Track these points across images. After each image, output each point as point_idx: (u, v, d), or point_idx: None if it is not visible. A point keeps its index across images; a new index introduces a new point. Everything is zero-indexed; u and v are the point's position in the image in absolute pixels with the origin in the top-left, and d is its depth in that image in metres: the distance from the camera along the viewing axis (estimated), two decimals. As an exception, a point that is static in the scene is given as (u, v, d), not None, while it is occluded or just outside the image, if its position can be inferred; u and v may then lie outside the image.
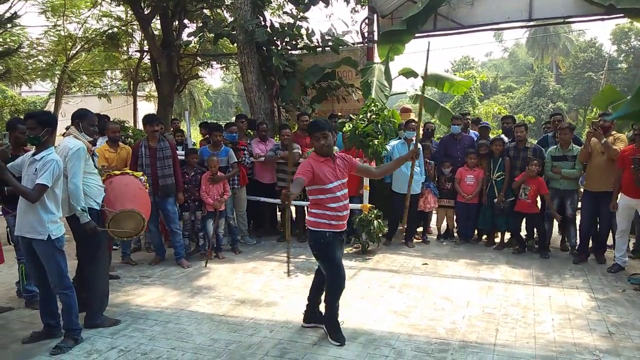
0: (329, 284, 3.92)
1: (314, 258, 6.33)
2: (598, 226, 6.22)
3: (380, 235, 6.67)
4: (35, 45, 15.70)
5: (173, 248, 6.27)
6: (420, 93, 6.03)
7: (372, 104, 6.79)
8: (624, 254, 5.83)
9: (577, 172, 6.38)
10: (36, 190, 3.62)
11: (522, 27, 10.87)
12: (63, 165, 3.84)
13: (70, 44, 15.78)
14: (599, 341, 3.88)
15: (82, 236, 4.20)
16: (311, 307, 4.21)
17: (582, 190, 6.44)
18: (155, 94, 15.39)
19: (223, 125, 7.33)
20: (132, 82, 18.50)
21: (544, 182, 6.46)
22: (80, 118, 4.25)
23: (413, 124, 6.77)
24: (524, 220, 6.75)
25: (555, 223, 6.87)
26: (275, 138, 8.23)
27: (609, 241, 6.31)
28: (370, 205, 6.61)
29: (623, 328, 4.13)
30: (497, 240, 7.13)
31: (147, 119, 6.19)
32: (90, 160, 4.24)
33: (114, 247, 5.65)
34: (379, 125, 6.52)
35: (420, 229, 7.74)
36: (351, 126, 6.65)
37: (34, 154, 3.76)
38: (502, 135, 7.53)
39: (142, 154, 5.99)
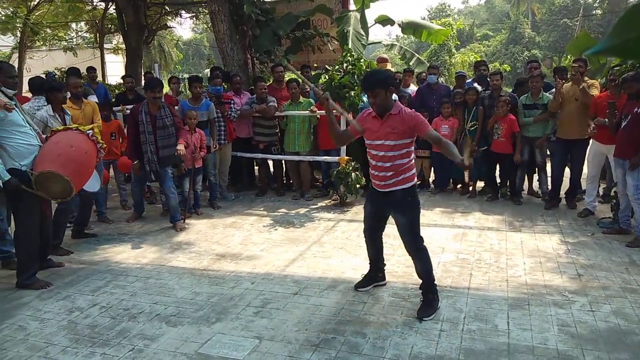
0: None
1: (292, 212, 6.47)
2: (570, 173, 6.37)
3: (357, 187, 6.72)
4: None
5: (169, 211, 5.97)
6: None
7: (348, 55, 6.67)
8: (593, 199, 6.01)
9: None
10: None
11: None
12: None
13: (30, -7, 14.92)
14: (568, 282, 4.05)
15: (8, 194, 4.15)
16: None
17: (552, 139, 6.48)
18: (123, 46, 14.79)
19: (209, 77, 7.05)
20: (98, 34, 17.71)
21: (515, 120, 6.48)
22: None
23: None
24: (498, 168, 6.86)
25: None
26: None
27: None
28: (347, 157, 6.62)
29: (591, 270, 4.31)
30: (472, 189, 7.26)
31: (150, 84, 5.78)
32: (16, 117, 4.00)
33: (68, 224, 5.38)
34: (355, 76, 6.44)
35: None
36: (327, 78, 6.55)
37: None
38: (476, 84, 7.51)
39: (144, 120, 5.57)
